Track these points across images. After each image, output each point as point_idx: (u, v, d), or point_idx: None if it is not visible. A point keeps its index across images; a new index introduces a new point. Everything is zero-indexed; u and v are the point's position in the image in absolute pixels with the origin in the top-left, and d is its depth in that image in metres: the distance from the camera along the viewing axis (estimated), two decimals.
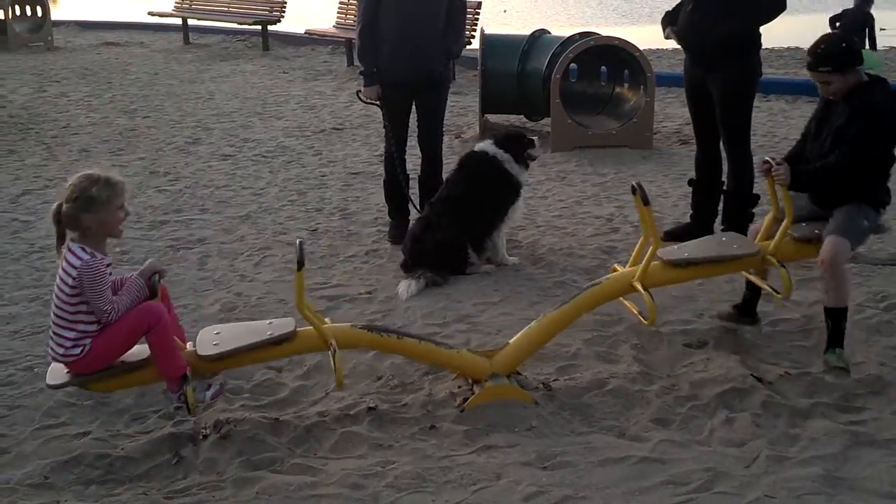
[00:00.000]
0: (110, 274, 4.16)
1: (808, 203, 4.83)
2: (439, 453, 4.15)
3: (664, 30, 6.73)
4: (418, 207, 7.06)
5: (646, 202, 4.60)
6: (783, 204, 4.70)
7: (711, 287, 5.90)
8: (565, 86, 10.04)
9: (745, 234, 6.49)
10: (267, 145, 10.58)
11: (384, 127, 7.18)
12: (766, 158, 4.72)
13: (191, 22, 20.17)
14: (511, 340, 4.74)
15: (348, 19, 16.32)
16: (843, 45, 4.68)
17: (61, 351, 4.11)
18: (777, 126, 10.62)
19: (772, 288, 4.81)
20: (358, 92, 7.25)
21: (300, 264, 4.16)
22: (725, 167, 6.69)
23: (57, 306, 4.11)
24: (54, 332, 4.12)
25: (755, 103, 6.73)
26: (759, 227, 5.02)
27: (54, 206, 4.12)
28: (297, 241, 4.22)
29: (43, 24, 19.58)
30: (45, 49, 19.05)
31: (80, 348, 4.10)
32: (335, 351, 4.25)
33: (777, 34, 16.01)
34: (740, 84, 6.41)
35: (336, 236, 7.32)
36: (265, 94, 13.73)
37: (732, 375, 4.64)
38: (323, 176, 9.22)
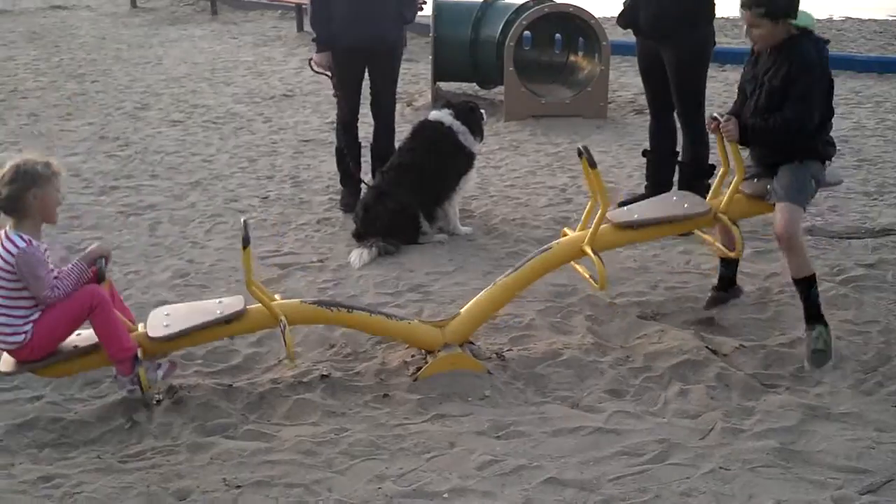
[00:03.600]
0: (46, 250, 4.08)
1: (753, 161, 4.79)
2: (393, 421, 4.13)
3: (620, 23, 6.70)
4: (367, 181, 6.97)
5: (592, 165, 4.54)
6: (733, 160, 4.66)
7: (665, 258, 5.92)
8: (519, 54, 9.98)
9: None
10: (216, 111, 10.43)
11: (334, 96, 7.09)
12: (714, 115, 4.68)
13: None
14: (462, 309, 4.71)
15: None
16: None
17: (3, 339, 4.06)
18: (732, 96, 10.46)
19: (723, 246, 4.80)
20: (310, 61, 7.15)
21: (245, 242, 4.14)
22: (680, 138, 6.69)
23: None
24: None
25: (711, 73, 6.74)
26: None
27: None
28: (242, 220, 4.20)
29: None
30: None
31: (22, 335, 4.05)
32: (285, 327, 4.23)
33: (732, 3, 16.08)
34: (694, 55, 6.39)
35: (287, 204, 7.24)
36: (214, 60, 13.54)
37: (687, 347, 4.65)
38: (273, 143, 9.11)
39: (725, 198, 4.67)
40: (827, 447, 3.84)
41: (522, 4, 10.16)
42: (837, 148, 4.90)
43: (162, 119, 10.09)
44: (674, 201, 4.92)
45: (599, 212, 4.60)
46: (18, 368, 4.18)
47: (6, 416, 4.18)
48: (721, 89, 10.89)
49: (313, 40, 7.00)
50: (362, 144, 7.23)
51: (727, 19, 15.63)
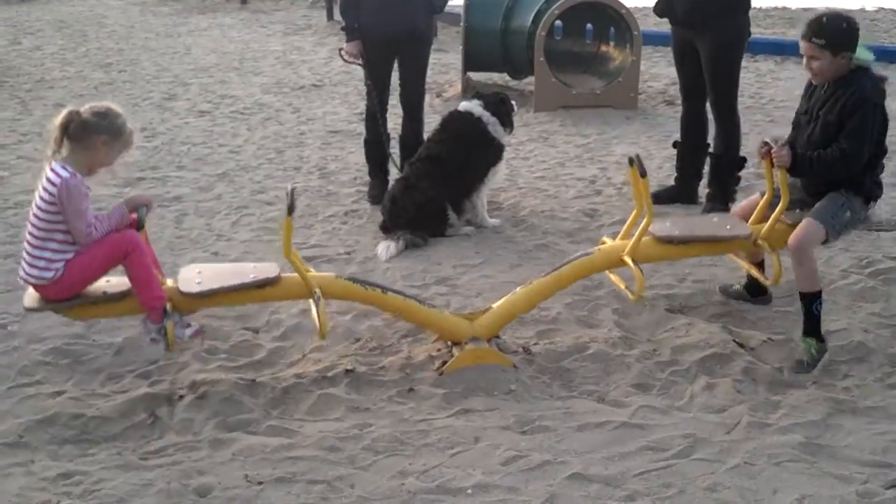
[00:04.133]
0: (88, 189, 4.08)
1: (800, 190, 4.70)
2: (417, 416, 4.10)
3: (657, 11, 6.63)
4: (399, 167, 6.96)
5: (643, 174, 4.47)
6: (778, 186, 4.55)
7: None
8: (550, 43, 9.93)
9: (731, 196, 6.48)
10: (244, 102, 10.44)
11: (366, 85, 7.06)
12: (766, 140, 4.58)
13: None
14: (494, 305, 4.68)
15: None
16: (845, 25, 4.45)
17: (33, 272, 4.06)
18: (765, 87, 10.55)
19: (760, 273, 4.71)
20: (340, 50, 7.12)
21: (290, 209, 4.09)
22: (712, 129, 6.61)
23: (32, 225, 4.06)
24: (27, 253, 4.08)
25: (743, 64, 6.65)
26: (744, 206, 4.91)
27: (66, 110, 4.06)
28: (289, 187, 4.15)
29: None
30: (20, 0, 18.72)
31: (53, 272, 4.04)
32: (319, 299, 4.20)
33: None
34: (730, 45, 6.33)
35: (315, 196, 7.22)
36: (243, 49, 13.56)
37: (714, 341, 4.60)
38: (301, 134, 9.11)
39: (768, 225, 4.57)
40: (853, 441, 3.79)
41: None
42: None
43: (189, 109, 10.11)
44: (715, 222, 4.86)
45: (643, 223, 4.52)
46: (43, 306, 4.17)
47: (27, 412, 4.16)
48: (753, 79, 10.78)
49: (342, 29, 6.98)
50: (391, 135, 7.19)
51: (760, 9, 15.51)
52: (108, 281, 4.25)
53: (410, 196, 6.27)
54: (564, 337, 4.80)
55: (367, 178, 7.25)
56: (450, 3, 7.33)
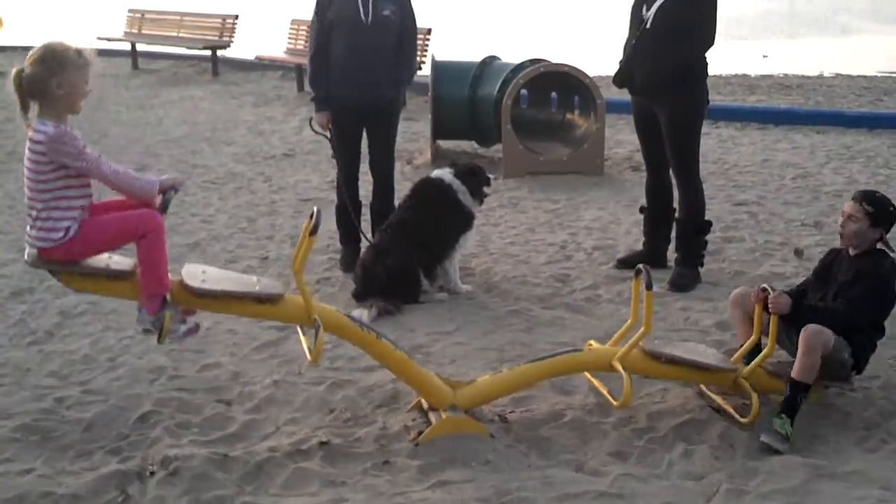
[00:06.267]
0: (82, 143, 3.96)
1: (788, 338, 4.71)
2: (393, 489, 4.04)
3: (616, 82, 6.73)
4: (368, 237, 6.97)
5: (649, 287, 4.43)
6: (767, 334, 4.55)
7: (665, 315, 5.88)
8: (516, 112, 10.04)
9: (700, 261, 6.50)
10: (216, 172, 10.45)
11: (332, 156, 7.11)
12: (764, 286, 4.62)
13: (140, 47, 19.97)
14: (479, 379, 4.65)
15: (298, 45, 16.25)
16: (892, 208, 4.68)
17: (42, 235, 3.94)
18: (727, 153, 10.70)
19: (735, 412, 4.60)
20: (310, 120, 7.17)
21: (314, 229, 4.14)
22: (676, 194, 6.68)
23: (31, 190, 3.95)
24: (33, 219, 3.95)
25: (705, 130, 6.76)
26: (739, 293, 4.88)
27: (12, 72, 3.95)
28: (315, 208, 4.23)
29: None
30: None
31: (62, 232, 3.92)
32: (320, 327, 4.15)
33: (725, 61, 16.23)
34: (689, 113, 6.43)
35: (287, 264, 7.18)
36: (215, 120, 13.60)
37: (690, 407, 4.61)
38: (273, 203, 9.11)
39: (751, 365, 4.59)
40: None
41: (519, 64, 10.26)
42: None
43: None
44: (702, 350, 4.88)
45: (640, 332, 4.50)
46: (42, 263, 4.04)
47: None
48: (715, 145, 10.94)
49: (312, 100, 7.03)
50: (362, 203, 7.22)
51: (720, 77, 15.79)
52: (110, 257, 4.14)
53: (382, 263, 6.27)
54: (541, 404, 4.78)
55: (339, 246, 7.26)
56: (419, 73, 7.41)
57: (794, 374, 4.42)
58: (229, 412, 4.82)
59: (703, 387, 4.84)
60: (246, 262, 7.27)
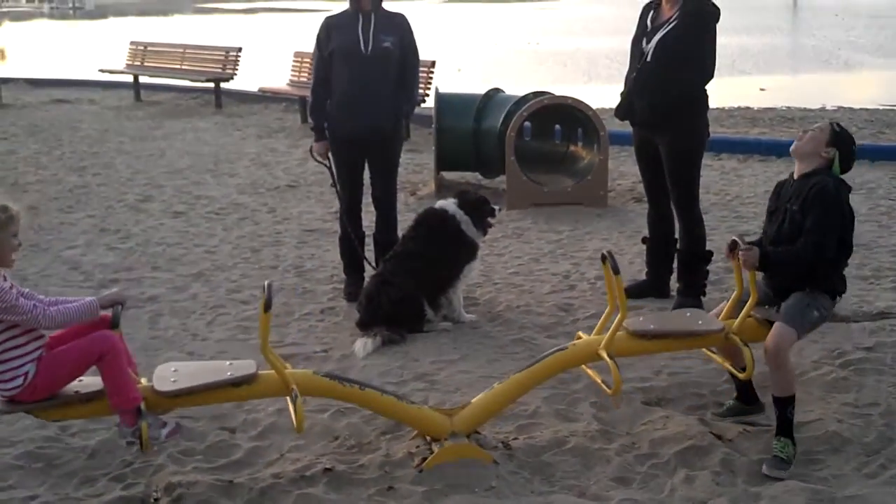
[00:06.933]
0: (11, 287, 4.00)
1: (765, 286, 4.79)
2: None
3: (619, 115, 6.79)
4: (373, 265, 7.02)
5: (616, 271, 4.53)
6: (748, 284, 4.64)
7: None
8: (520, 144, 10.10)
9: (702, 290, 6.55)
10: (220, 202, 10.50)
11: (332, 185, 7.16)
12: (734, 238, 4.67)
13: (142, 79, 20.09)
14: (473, 400, 4.68)
15: (301, 77, 16.34)
16: (852, 141, 4.74)
17: (2, 386, 4.01)
18: (729, 184, 10.75)
19: (733, 367, 4.73)
20: (311, 149, 7.23)
21: (267, 305, 4.08)
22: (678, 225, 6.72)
23: None
24: None
25: (707, 162, 6.81)
26: (722, 307, 4.97)
27: None
28: (266, 283, 4.15)
29: None
30: None
31: (21, 378, 3.99)
32: (297, 396, 4.17)
33: (727, 94, 16.29)
34: (689, 145, 6.49)
35: (291, 294, 7.24)
36: (218, 152, 13.66)
37: (692, 433, 4.62)
38: (277, 233, 9.16)
39: (738, 320, 4.64)
40: None
41: (522, 97, 10.33)
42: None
43: (164, 211, 10.14)
44: (688, 317, 4.92)
45: (618, 318, 4.57)
46: (14, 408, 4.10)
47: None
48: (717, 177, 10.99)
49: (311, 129, 7.08)
50: (366, 233, 7.26)
51: (723, 109, 15.87)
52: (80, 381, 4.20)
53: (386, 292, 6.31)
54: (544, 431, 4.80)
55: (343, 276, 7.29)
56: (422, 105, 7.46)
57: (773, 392, 4.48)
58: (233, 439, 4.84)
59: (706, 350, 4.90)
60: (249, 292, 7.30)
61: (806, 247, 4.49)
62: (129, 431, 4.12)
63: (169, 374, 4.29)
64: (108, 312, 4.19)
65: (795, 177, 4.71)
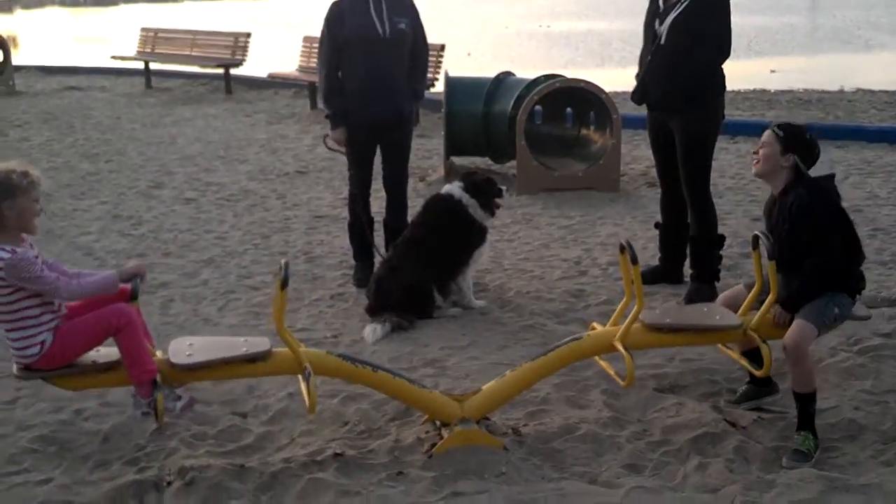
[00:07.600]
0: (37, 256, 4.05)
1: (783, 286, 4.72)
2: (407, 500, 4.06)
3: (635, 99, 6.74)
4: (381, 252, 6.99)
5: (634, 261, 4.47)
6: (768, 280, 4.55)
7: None
8: (531, 128, 10.05)
9: (716, 275, 6.51)
10: (230, 189, 10.49)
11: (349, 170, 7.14)
12: (757, 233, 4.61)
13: (153, 66, 20.10)
14: (485, 387, 4.66)
15: (311, 62, 16.29)
16: (809, 137, 4.66)
17: (19, 353, 4.07)
18: (745, 168, 10.64)
19: (750, 364, 4.66)
20: (325, 137, 7.19)
21: (284, 283, 4.08)
22: None
23: None
24: (8, 339, 4.07)
25: (723, 145, 6.75)
26: (729, 293, 4.92)
27: None
28: (283, 261, 4.16)
29: (4, 69, 19.38)
30: (6, 93, 18.85)
31: (38, 346, 4.04)
32: (310, 375, 4.17)
33: (744, 77, 16.17)
34: (703, 128, 6.42)
35: (300, 280, 7.23)
36: (228, 138, 13.65)
37: (705, 420, 4.59)
38: (287, 219, 9.14)
39: (758, 315, 4.57)
40: None
41: (534, 80, 10.25)
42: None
43: (175, 197, 10.14)
44: (705, 311, 4.84)
45: (634, 310, 4.52)
46: (31, 374, 4.15)
47: (15, 501, 4.11)
48: (734, 160, 10.90)
49: (326, 117, 7.05)
50: (375, 219, 7.24)
51: (738, 92, 15.76)
52: (97, 350, 4.23)
53: (395, 278, 6.29)
54: (554, 418, 4.78)
55: (353, 262, 7.27)
56: (431, 90, 7.43)
57: (794, 387, 4.43)
58: (245, 424, 4.84)
59: (721, 345, 4.84)
60: (259, 278, 7.29)
61: (818, 265, 4.45)
62: (145, 403, 4.16)
63: (185, 348, 4.31)
64: (129, 286, 4.20)
65: (774, 193, 4.68)
